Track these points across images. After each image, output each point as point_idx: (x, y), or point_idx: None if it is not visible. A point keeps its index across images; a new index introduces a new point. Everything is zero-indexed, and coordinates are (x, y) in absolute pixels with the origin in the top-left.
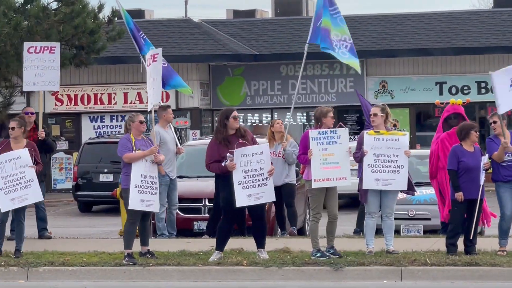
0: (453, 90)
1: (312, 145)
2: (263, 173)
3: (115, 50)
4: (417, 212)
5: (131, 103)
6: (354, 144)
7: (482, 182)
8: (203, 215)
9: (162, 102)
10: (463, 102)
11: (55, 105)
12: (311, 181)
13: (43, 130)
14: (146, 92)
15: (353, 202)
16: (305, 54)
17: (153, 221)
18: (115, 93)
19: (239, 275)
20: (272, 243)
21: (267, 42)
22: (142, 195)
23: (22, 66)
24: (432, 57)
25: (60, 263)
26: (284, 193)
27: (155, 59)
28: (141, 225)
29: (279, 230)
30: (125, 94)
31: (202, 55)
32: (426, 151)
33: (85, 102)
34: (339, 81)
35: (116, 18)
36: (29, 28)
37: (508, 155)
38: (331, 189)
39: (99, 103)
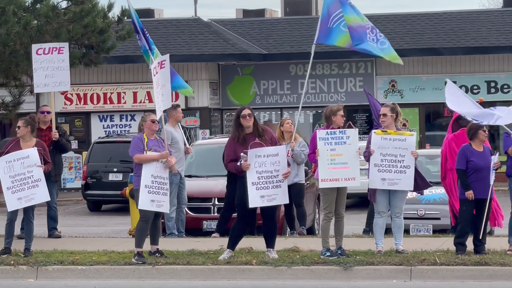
0: (463, 90)
1: (320, 145)
2: (277, 175)
3: (125, 49)
4: (426, 212)
5: (140, 102)
6: (363, 144)
7: (491, 182)
8: (212, 214)
9: (172, 101)
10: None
11: (65, 104)
12: None
13: (56, 131)
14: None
15: (363, 201)
16: (312, 54)
17: (162, 220)
18: (124, 93)
19: (249, 274)
20: (282, 243)
21: (276, 41)
22: (153, 195)
23: (32, 65)
24: (442, 56)
25: (69, 262)
26: (293, 192)
27: (163, 66)
28: (152, 223)
29: (288, 230)
30: (135, 94)
31: (211, 54)
32: (436, 151)
33: (95, 101)
34: (349, 81)
35: (125, 18)
36: (39, 28)
37: None
38: (342, 189)
39: (108, 102)
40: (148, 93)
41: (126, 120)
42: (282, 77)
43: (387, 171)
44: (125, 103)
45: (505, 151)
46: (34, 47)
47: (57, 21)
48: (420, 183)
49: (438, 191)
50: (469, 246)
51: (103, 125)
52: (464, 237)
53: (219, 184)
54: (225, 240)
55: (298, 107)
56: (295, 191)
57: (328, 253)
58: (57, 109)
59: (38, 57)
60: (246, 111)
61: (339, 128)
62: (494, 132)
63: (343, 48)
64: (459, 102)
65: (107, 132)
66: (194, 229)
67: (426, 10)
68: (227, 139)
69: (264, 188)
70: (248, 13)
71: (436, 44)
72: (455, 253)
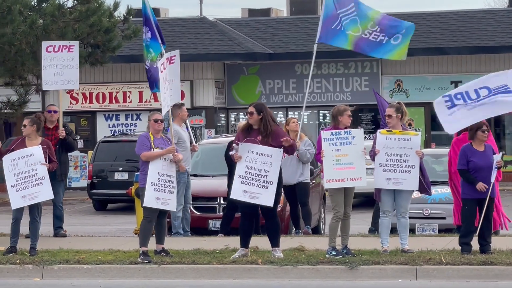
0: None
1: (325, 146)
2: (266, 175)
3: (131, 48)
4: (432, 211)
5: (146, 101)
6: (367, 143)
7: (492, 180)
8: (218, 213)
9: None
10: None
11: (70, 103)
12: None
13: (63, 129)
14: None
15: (368, 201)
16: (314, 54)
17: (168, 219)
18: (130, 92)
19: (254, 273)
20: (287, 242)
21: (282, 41)
22: (158, 193)
23: (38, 64)
24: (447, 56)
25: (75, 261)
26: (298, 192)
27: (172, 61)
28: (158, 223)
29: (294, 229)
30: (140, 93)
31: (217, 53)
32: (441, 150)
33: (100, 101)
34: (354, 80)
35: (131, 17)
36: (45, 27)
37: None
38: (349, 188)
39: (114, 101)
40: (154, 93)
41: (132, 120)
42: (287, 77)
43: (392, 170)
44: (130, 102)
45: None
46: (44, 44)
47: (63, 20)
48: (420, 186)
49: (444, 191)
50: (475, 245)
51: (109, 124)
52: (468, 237)
53: (224, 184)
54: (230, 240)
55: (303, 107)
56: (300, 190)
57: (333, 252)
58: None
59: (47, 54)
60: (249, 109)
61: (345, 128)
62: (499, 131)
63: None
64: (455, 119)
65: (112, 131)
66: (199, 228)
67: (432, 9)
68: (232, 138)
69: (249, 184)
70: (254, 13)
71: (442, 43)
72: (460, 253)
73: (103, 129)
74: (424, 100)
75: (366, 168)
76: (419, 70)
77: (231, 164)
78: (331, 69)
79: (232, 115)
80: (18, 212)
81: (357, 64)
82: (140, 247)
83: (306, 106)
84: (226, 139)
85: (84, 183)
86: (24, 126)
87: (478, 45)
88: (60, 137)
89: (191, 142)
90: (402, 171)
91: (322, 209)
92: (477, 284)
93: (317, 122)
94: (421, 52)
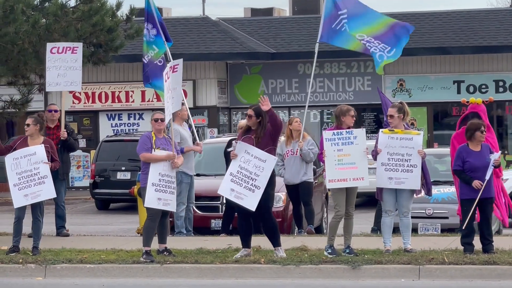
0: (471, 89)
1: (326, 146)
2: (255, 179)
3: (133, 48)
4: (434, 211)
5: (148, 101)
6: (369, 143)
7: (487, 177)
8: (220, 213)
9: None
10: (485, 101)
11: (73, 103)
12: None
13: (65, 131)
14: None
15: (371, 200)
16: (316, 54)
17: (170, 219)
18: (132, 91)
19: (257, 273)
20: (290, 242)
21: (284, 40)
22: (159, 194)
23: (41, 64)
24: (450, 55)
25: (77, 261)
26: (301, 191)
27: (175, 70)
28: (160, 222)
29: (297, 229)
30: (143, 92)
31: (219, 53)
32: (444, 150)
33: (103, 100)
34: (357, 80)
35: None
36: (47, 26)
37: None
38: (351, 188)
39: (116, 101)
40: (156, 92)
41: (134, 119)
42: (290, 76)
43: (394, 170)
44: (133, 101)
45: None
46: (49, 45)
47: (66, 20)
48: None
49: (446, 190)
50: (478, 245)
51: (111, 124)
52: (470, 236)
53: None
54: (232, 239)
55: (305, 106)
56: (303, 189)
57: (329, 250)
58: (65, 107)
59: (51, 55)
60: (248, 112)
61: (348, 128)
62: (502, 131)
63: None
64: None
65: (115, 131)
66: (202, 228)
67: (434, 9)
68: (235, 137)
69: (237, 183)
70: (256, 12)
71: (444, 43)
72: (463, 253)
73: (105, 129)
74: (426, 100)
75: (368, 168)
76: (421, 70)
77: (229, 161)
78: (333, 68)
79: (235, 115)
80: (21, 211)
81: (360, 64)
82: (143, 246)
83: (309, 106)
84: (229, 138)
85: (86, 182)
86: (28, 125)
87: (480, 45)
88: (62, 138)
89: (194, 141)
90: (404, 170)
91: (325, 209)
92: (480, 284)
93: (321, 121)
94: (424, 52)
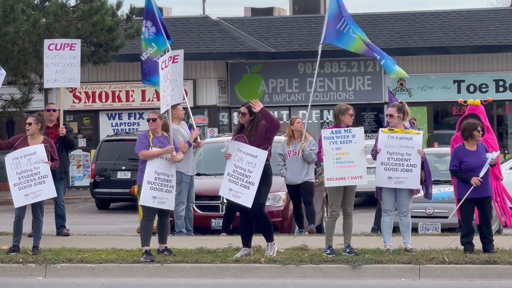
0: (471, 88)
1: (325, 144)
2: (249, 175)
3: (134, 47)
4: (434, 210)
5: (149, 100)
6: (369, 142)
7: (481, 174)
8: (220, 212)
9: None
10: (484, 101)
11: (73, 102)
12: None
13: (64, 126)
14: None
15: (371, 200)
16: (319, 54)
17: (171, 219)
18: (133, 91)
19: (257, 272)
20: (290, 241)
21: (284, 40)
22: (155, 192)
23: (41, 63)
24: (450, 55)
25: (78, 260)
26: (303, 191)
27: (176, 61)
28: (160, 222)
29: (297, 228)
30: (143, 92)
31: (219, 53)
32: (444, 149)
33: (103, 100)
34: (357, 79)
35: (134, 16)
36: (48, 26)
37: None
38: (349, 187)
39: (117, 100)
40: (157, 91)
41: (135, 118)
42: (290, 76)
43: (393, 169)
44: (133, 101)
45: None
46: (46, 42)
47: (66, 19)
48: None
49: (447, 190)
50: (478, 245)
51: (112, 123)
52: (469, 236)
53: None
54: (233, 239)
55: (306, 106)
56: (305, 189)
57: (328, 251)
58: (65, 107)
59: (49, 52)
60: (241, 109)
61: (347, 127)
62: (502, 131)
63: None
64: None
65: (115, 130)
66: (202, 227)
67: (434, 8)
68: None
69: (234, 182)
70: (257, 12)
71: (444, 42)
72: (463, 252)
73: (106, 128)
74: (426, 99)
75: (368, 167)
76: (421, 69)
77: None
78: (334, 68)
79: (235, 114)
80: (21, 211)
81: (360, 64)
82: (142, 246)
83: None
84: (229, 138)
85: (87, 182)
86: (30, 124)
87: (480, 44)
88: (61, 134)
89: (196, 140)
90: (404, 170)
91: (325, 208)
92: (480, 283)
93: (321, 121)
94: (424, 51)
